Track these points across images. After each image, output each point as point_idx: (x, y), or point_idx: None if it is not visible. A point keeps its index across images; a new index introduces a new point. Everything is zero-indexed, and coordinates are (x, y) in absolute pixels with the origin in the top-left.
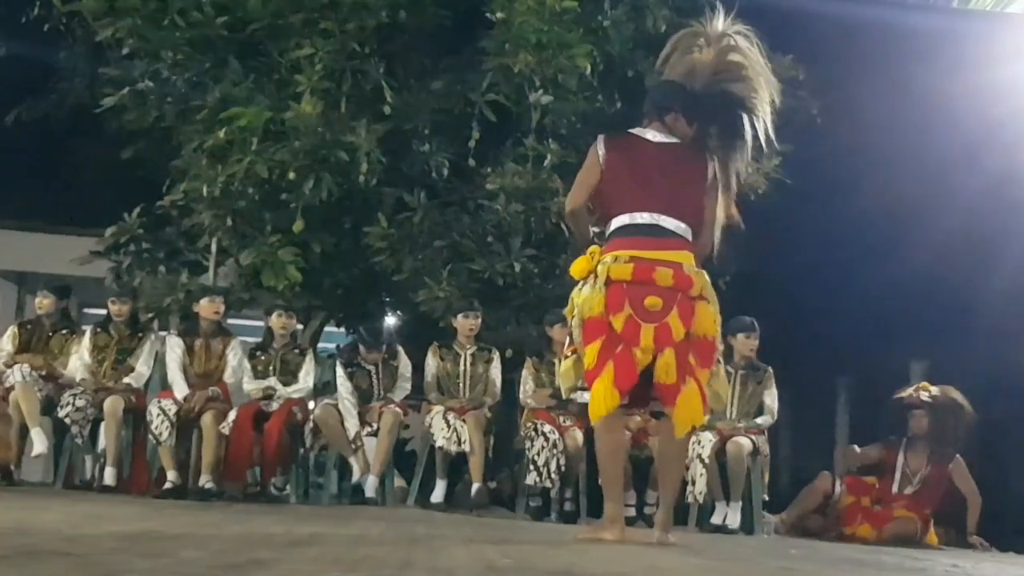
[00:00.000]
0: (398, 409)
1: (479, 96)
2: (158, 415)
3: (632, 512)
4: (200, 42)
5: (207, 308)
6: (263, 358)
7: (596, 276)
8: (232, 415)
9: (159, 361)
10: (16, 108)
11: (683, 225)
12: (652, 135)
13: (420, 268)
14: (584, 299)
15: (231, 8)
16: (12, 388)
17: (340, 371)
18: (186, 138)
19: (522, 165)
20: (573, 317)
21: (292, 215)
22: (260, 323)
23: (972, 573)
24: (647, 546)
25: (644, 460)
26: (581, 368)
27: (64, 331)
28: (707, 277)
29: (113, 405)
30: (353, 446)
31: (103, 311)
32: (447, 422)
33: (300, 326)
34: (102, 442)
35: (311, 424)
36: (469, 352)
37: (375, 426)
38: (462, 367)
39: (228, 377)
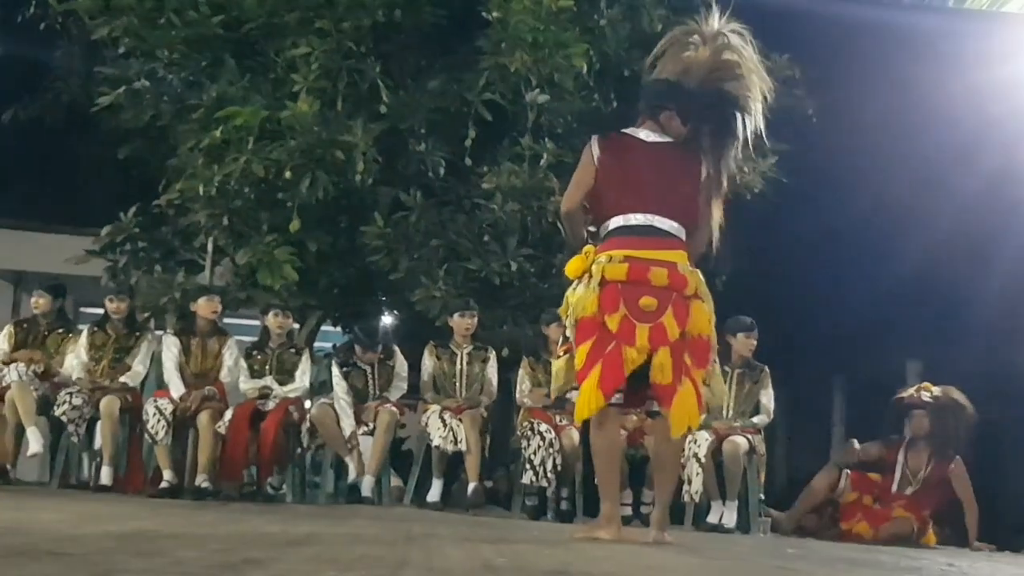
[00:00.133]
0: (394, 408)
1: (475, 95)
2: (154, 414)
3: (628, 511)
4: (196, 41)
5: (205, 307)
6: (259, 357)
7: (590, 276)
8: (228, 414)
9: (155, 360)
10: (12, 107)
11: (677, 225)
12: (645, 135)
13: (416, 267)
14: (578, 299)
15: (227, 7)
16: (8, 387)
17: (336, 371)
18: (182, 137)
19: (518, 164)
20: (567, 317)
21: (288, 214)
22: (256, 322)
23: (968, 572)
24: (643, 545)
25: (640, 459)
26: (573, 368)
27: (60, 330)
28: (701, 276)
29: (109, 404)
30: (349, 445)
31: (99, 310)
32: (443, 421)
33: (296, 325)
34: (98, 441)
35: (307, 424)
36: (465, 351)
37: (371, 425)
38: (458, 366)
39: (224, 376)
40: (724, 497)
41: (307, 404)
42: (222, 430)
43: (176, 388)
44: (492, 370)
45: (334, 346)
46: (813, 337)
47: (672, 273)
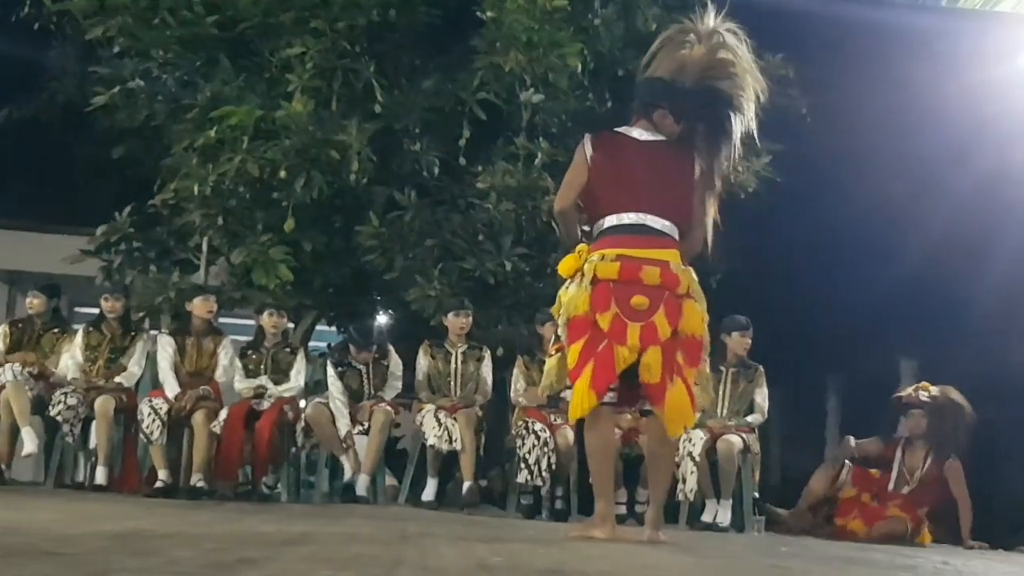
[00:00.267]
0: (389, 408)
1: (470, 95)
2: (149, 414)
3: (623, 510)
4: (190, 41)
5: (200, 307)
6: (254, 357)
7: (583, 275)
8: (223, 414)
9: (150, 360)
10: (6, 107)
11: (670, 224)
12: (638, 133)
13: (411, 267)
14: (570, 298)
15: (221, 7)
16: (2, 387)
17: (331, 370)
18: (177, 137)
19: (513, 164)
20: (559, 316)
21: (283, 214)
22: (251, 322)
23: (962, 570)
24: (638, 544)
25: (635, 458)
26: (565, 367)
27: (55, 330)
28: (694, 275)
29: (104, 404)
30: (344, 445)
31: (95, 310)
32: (438, 420)
33: (291, 325)
34: (93, 441)
35: (302, 423)
36: (460, 351)
37: (366, 425)
38: (453, 366)
39: (219, 376)
40: (718, 496)
41: (302, 404)
42: (217, 430)
43: (171, 388)
44: (487, 369)
45: (329, 346)
46: (808, 336)
47: (664, 272)
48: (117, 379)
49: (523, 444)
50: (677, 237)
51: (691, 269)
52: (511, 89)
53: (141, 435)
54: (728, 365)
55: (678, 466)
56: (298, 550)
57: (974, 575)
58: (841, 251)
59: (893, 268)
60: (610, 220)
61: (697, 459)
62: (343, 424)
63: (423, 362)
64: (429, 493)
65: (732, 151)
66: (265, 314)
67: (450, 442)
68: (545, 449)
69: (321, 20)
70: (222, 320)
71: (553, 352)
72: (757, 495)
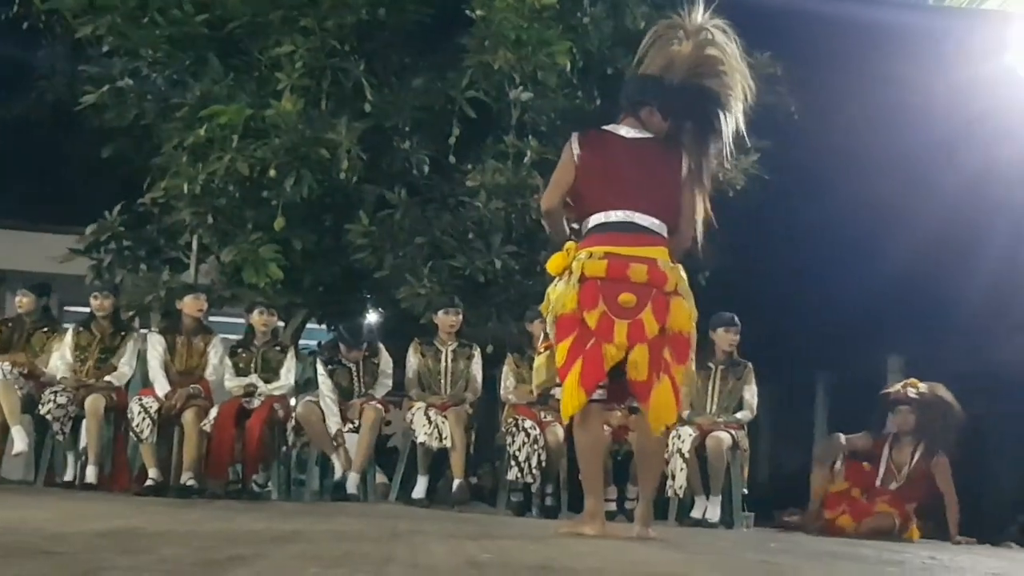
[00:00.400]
0: (379, 406)
1: (459, 93)
2: (139, 413)
3: (613, 507)
4: (180, 40)
5: (191, 305)
6: (244, 355)
7: (570, 272)
8: (213, 412)
9: (140, 359)
10: None
11: (658, 221)
12: (626, 131)
13: (401, 265)
14: (558, 295)
15: (211, 6)
16: None
17: (321, 368)
18: (166, 136)
19: (502, 162)
20: (548, 313)
21: (273, 212)
22: (241, 320)
23: (949, 566)
24: (627, 540)
25: (625, 455)
26: (554, 364)
27: (45, 329)
28: (683, 272)
29: (94, 403)
30: (334, 443)
31: (85, 309)
32: (428, 418)
33: (281, 323)
34: (83, 440)
35: (293, 421)
36: (450, 348)
37: (356, 423)
38: (443, 363)
39: (209, 374)
40: (708, 492)
41: (292, 402)
42: (207, 428)
43: (161, 386)
44: (477, 367)
45: (319, 344)
46: (796, 333)
47: (652, 269)
48: (107, 378)
49: (513, 441)
50: (665, 234)
51: (679, 266)
52: (500, 87)
53: (131, 434)
54: (717, 362)
55: (667, 463)
56: (288, 548)
57: (961, 570)
58: (829, 248)
59: (881, 265)
60: (598, 218)
61: (686, 456)
62: (333, 422)
63: (413, 360)
64: (419, 491)
65: (721, 148)
66: (255, 312)
67: (440, 440)
68: (535, 446)
69: (310, 19)
70: (212, 319)
71: (542, 350)
72: (746, 491)
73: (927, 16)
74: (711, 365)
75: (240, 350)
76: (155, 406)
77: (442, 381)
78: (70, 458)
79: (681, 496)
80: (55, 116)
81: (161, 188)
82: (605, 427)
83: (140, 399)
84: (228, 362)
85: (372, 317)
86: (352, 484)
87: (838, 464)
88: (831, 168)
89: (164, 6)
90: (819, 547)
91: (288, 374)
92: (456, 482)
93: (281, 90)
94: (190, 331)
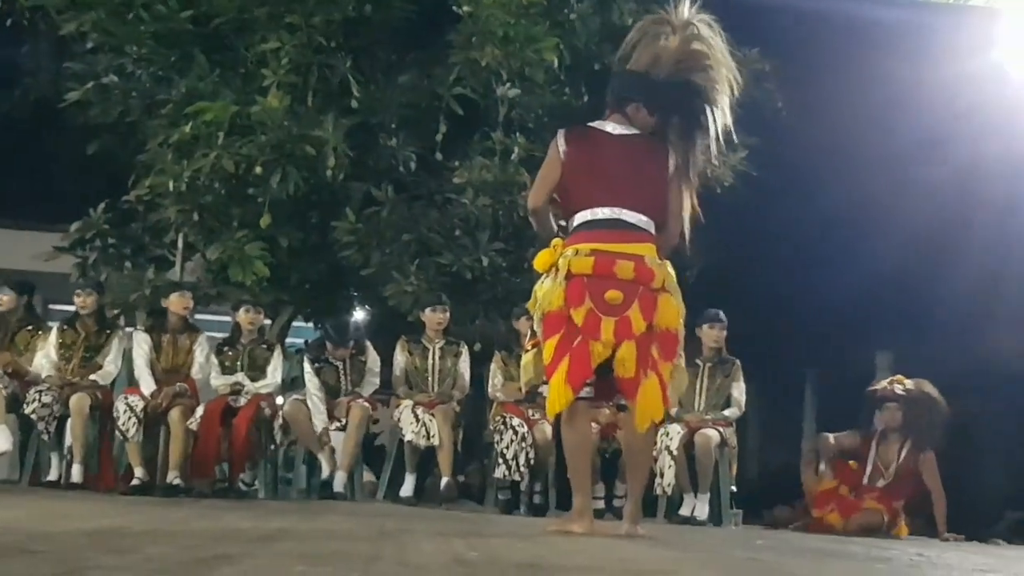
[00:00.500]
0: (366, 404)
1: (446, 90)
2: (125, 411)
3: (601, 504)
4: (165, 36)
5: (177, 303)
6: (230, 353)
7: (557, 270)
8: (200, 411)
9: (126, 357)
10: None
11: (645, 218)
12: (612, 127)
13: (388, 262)
14: (544, 293)
15: (196, 2)
16: None
17: (308, 367)
18: (151, 133)
19: (489, 159)
20: (535, 311)
21: (259, 210)
22: (227, 318)
23: (937, 562)
24: (616, 538)
25: (613, 453)
26: (541, 362)
27: (29, 327)
28: (670, 269)
29: (79, 402)
30: (321, 441)
31: (69, 307)
32: (416, 416)
33: (268, 321)
34: (68, 439)
35: (279, 420)
36: (437, 346)
37: (343, 421)
38: (430, 361)
39: (195, 373)
40: (696, 490)
41: (279, 400)
42: (193, 427)
43: (147, 385)
44: (464, 365)
45: (306, 342)
46: (784, 330)
47: (639, 266)
48: (92, 377)
49: (501, 439)
50: (652, 231)
51: (667, 263)
52: (487, 84)
53: (117, 432)
54: (705, 359)
55: (656, 460)
56: (275, 546)
57: (948, 567)
58: (817, 245)
59: (870, 262)
60: (584, 215)
61: (675, 453)
62: (320, 421)
63: (400, 358)
64: (407, 489)
65: (708, 144)
66: (241, 310)
67: (428, 438)
68: (523, 444)
69: (296, 15)
70: (198, 317)
71: (529, 347)
72: (734, 489)
73: (915, 12)
74: (699, 362)
75: (226, 348)
76: (141, 405)
77: (429, 379)
78: (54, 458)
79: (669, 494)
80: (39, 113)
81: (146, 185)
82: (593, 425)
83: (126, 398)
84: (214, 360)
85: (359, 315)
86: (339, 483)
87: (823, 465)
88: (819, 165)
89: (149, 2)
90: (807, 544)
91: (275, 372)
92: (444, 480)
93: (267, 87)
94: (176, 329)
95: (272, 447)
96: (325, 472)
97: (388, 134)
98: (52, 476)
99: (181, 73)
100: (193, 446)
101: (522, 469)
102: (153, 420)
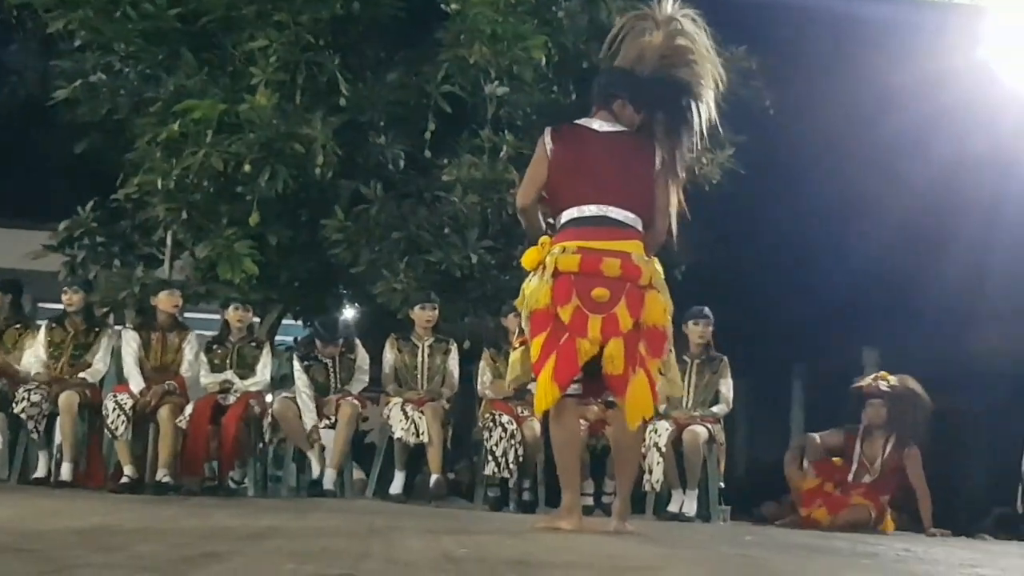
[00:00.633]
0: (355, 401)
1: (435, 88)
2: (114, 409)
3: (590, 501)
4: (153, 34)
5: (166, 301)
6: (220, 352)
7: (544, 267)
8: (189, 409)
9: (115, 355)
10: None
11: (632, 215)
12: (599, 124)
13: (377, 260)
14: (531, 291)
15: (184, 0)
16: None
17: (297, 364)
18: (140, 131)
19: (478, 157)
20: (522, 309)
21: (248, 208)
22: (216, 316)
23: (923, 558)
24: (604, 535)
25: (602, 449)
26: (528, 359)
27: (17, 326)
28: (657, 266)
29: (68, 400)
30: (311, 439)
31: (58, 306)
32: (405, 414)
33: (257, 319)
34: (58, 437)
35: (269, 417)
36: (427, 344)
37: (333, 419)
38: (420, 359)
39: (185, 371)
40: (684, 486)
41: (268, 398)
42: (183, 425)
43: (136, 383)
44: (453, 362)
45: (295, 340)
46: (772, 327)
47: (625, 263)
48: (81, 375)
49: (490, 436)
50: (640, 228)
51: (655, 260)
52: (476, 82)
53: (106, 431)
54: (693, 356)
55: (644, 457)
56: (264, 544)
57: (935, 562)
58: (805, 242)
59: (856, 258)
60: (571, 212)
61: (663, 450)
62: (309, 418)
63: (390, 355)
64: (397, 486)
65: (694, 140)
66: (230, 308)
67: (417, 435)
68: (512, 441)
69: (284, 13)
70: (187, 315)
71: (517, 345)
72: (723, 485)
73: (901, 9)
74: (687, 359)
75: (215, 346)
76: (130, 403)
77: (419, 376)
78: (42, 456)
79: (658, 490)
80: (27, 112)
81: (135, 184)
82: (582, 422)
83: (115, 396)
84: (203, 358)
85: (348, 313)
86: (329, 480)
87: (806, 463)
88: (806, 162)
89: (136, 0)
90: (795, 540)
91: (264, 370)
92: (433, 478)
93: (255, 85)
94: (165, 327)
95: (261, 445)
96: (315, 470)
97: (377, 132)
98: (40, 473)
99: (169, 71)
100: (182, 444)
101: (511, 466)
102: (142, 418)
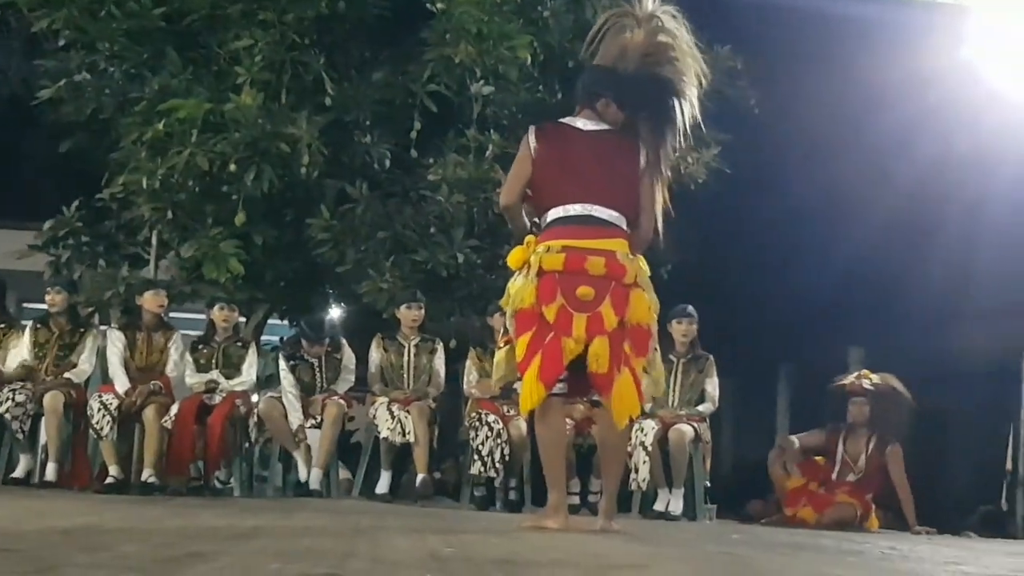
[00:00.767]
0: (341, 401)
1: (420, 87)
2: (99, 409)
3: (576, 500)
4: (137, 33)
5: (151, 301)
6: (205, 351)
7: (529, 267)
8: (174, 409)
9: (100, 355)
10: None
11: (617, 213)
12: (583, 123)
13: (363, 260)
14: (516, 290)
15: None
16: None
17: (283, 364)
18: (125, 130)
19: (464, 156)
20: (507, 308)
21: (233, 207)
22: (202, 316)
23: (908, 555)
24: (590, 533)
25: (588, 448)
26: (513, 359)
27: (2, 326)
28: (642, 264)
29: (53, 400)
30: (296, 439)
31: (43, 306)
32: (391, 413)
33: (242, 319)
34: (43, 438)
35: (255, 417)
36: (413, 343)
37: (319, 419)
38: (406, 358)
39: (170, 371)
40: (670, 485)
41: (254, 398)
42: (168, 425)
43: (121, 383)
44: (439, 362)
45: (281, 339)
46: (757, 325)
47: (610, 262)
48: (66, 375)
49: (476, 436)
50: (624, 227)
51: (640, 258)
52: (461, 81)
53: (91, 431)
54: (679, 355)
55: (630, 456)
56: (249, 544)
57: (920, 560)
58: (790, 241)
59: (842, 257)
60: (556, 212)
61: (649, 449)
62: (295, 419)
63: (376, 355)
64: (383, 486)
65: (677, 137)
66: (216, 308)
67: (403, 435)
68: (498, 440)
69: (270, 12)
70: (173, 315)
71: (502, 344)
72: (708, 484)
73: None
74: (673, 358)
75: (201, 346)
76: (115, 403)
77: (405, 376)
78: (23, 457)
79: (644, 489)
80: (11, 111)
81: (120, 183)
82: (568, 420)
83: (100, 396)
84: (189, 358)
85: (334, 312)
86: (315, 480)
87: (789, 464)
88: (792, 161)
89: None
90: (781, 538)
91: (249, 370)
92: (419, 477)
93: (240, 84)
94: (150, 327)
95: (247, 445)
96: (301, 470)
97: (362, 131)
98: (18, 474)
99: (154, 70)
100: (168, 444)
101: (497, 465)
102: (127, 418)
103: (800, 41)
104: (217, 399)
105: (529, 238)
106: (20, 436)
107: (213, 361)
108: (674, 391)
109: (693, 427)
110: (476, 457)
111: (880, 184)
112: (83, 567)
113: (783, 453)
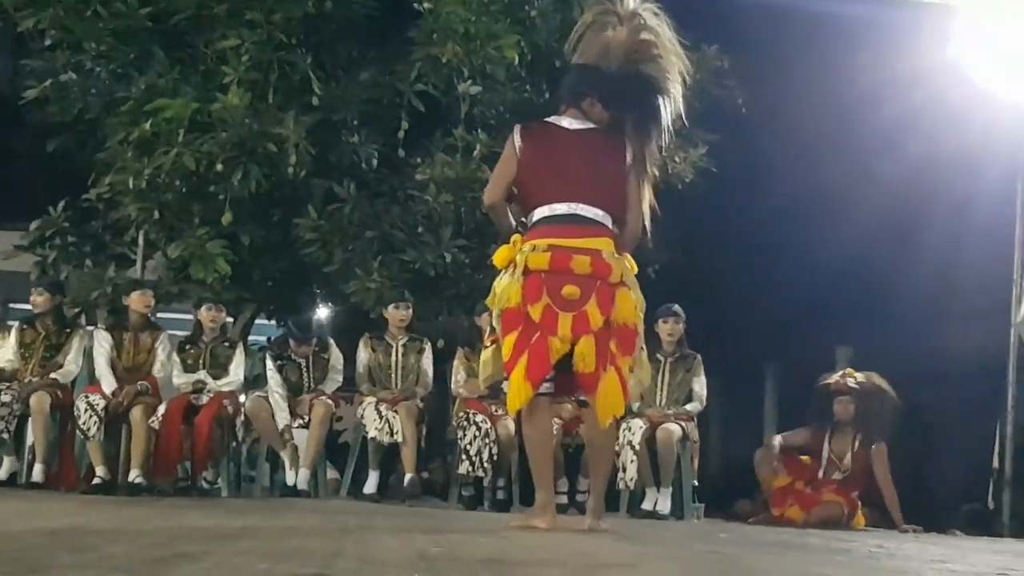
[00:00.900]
0: (329, 401)
1: (408, 86)
2: (86, 410)
3: (564, 500)
4: (124, 33)
5: (138, 301)
6: (192, 352)
7: (515, 266)
8: (161, 409)
9: (87, 356)
10: None
11: (603, 212)
12: (568, 122)
13: (351, 259)
14: (503, 289)
15: None
16: None
17: (270, 364)
18: (111, 130)
19: (451, 155)
20: (493, 307)
21: (220, 207)
22: (189, 316)
23: (895, 553)
24: (578, 533)
25: (576, 448)
26: (500, 358)
27: None
28: (629, 263)
29: (40, 401)
30: (284, 439)
31: (30, 306)
32: (379, 413)
33: (230, 319)
34: (29, 438)
35: (242, 417)
36: (401, 343)
37: (306, 419)
38: (394, 358)
39: (157, 371)
40: (658, 484)
41: (241, 398)
42: (155, 425)
43: (108, 383)
44: (427, 361)
45: (268, 339)
46: (745, 324)
47: (596, 261)
48: (53, 375)
49: (464, 435)
50: (610, 226)
51: (627, 257)
52: (449, 81)
53: (78, 431)
54: (666, 355)
55: (618, 455)
56: (236, 544)
57: (907, 558)
58: (777, 240)
59: (829, 256)
60: (542, 211)
61: (637, 448)
62: (282, 419)
63: (363, 355)
64: (371, 486)
65: (663, 135)
66: (203, 308)
67: (391, 435)
68: (486, 440)
69: (256, 12)
70: (160, 315)
71: (488, 344)
72: (696, 483)
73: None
74: (660, 357)
75: (188, 346)
76: (102, 403)
77: (393, 376)
78: (7, 459)
79: (632, 488)
80: None
81: (106, 183)
82: (556, 420)
83: (87, 396)
84: (176, 358)
85: (322, 312)
86: (302, 480)
87: (775, 463)
88: (779, 160)
89: None
90: (768, 537)
91: (237, 370)
92: (407, 477)
93: (227, 84)
94: (137, 327)
95: (234, 445)
96: (288, 471)
97: (350, 131)
98: (1, 475)
99: (140, 70)
100: (155, 445)
101: (485, 465)
102: (114, 419)
103: (787, 41)
104: (204, 399)
105: (515, 237)
106: (5, 437)
107: (200, 361)
108: (661, 390)
109: (681, 426)
110: (464, 457)
111: (867, 183)
112: (70, 568)
113: (769, 452)
